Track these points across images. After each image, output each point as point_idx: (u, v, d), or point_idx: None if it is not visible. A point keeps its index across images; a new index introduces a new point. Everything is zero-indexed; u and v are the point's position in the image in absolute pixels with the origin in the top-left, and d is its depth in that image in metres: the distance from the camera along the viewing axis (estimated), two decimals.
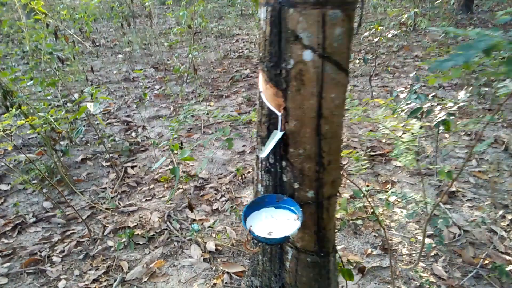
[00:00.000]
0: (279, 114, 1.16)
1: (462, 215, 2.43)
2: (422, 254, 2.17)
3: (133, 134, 3.80)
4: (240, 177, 2.98)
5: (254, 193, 1.42)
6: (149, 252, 2.29)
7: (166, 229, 2.46)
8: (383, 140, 3.38)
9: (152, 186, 2.95)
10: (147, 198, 2.80)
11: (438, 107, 2.76)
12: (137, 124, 4.00)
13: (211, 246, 2.28)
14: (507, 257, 2.09)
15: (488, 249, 2.16)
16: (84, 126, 3.97)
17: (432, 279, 2.01)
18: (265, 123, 1.23)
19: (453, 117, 2.33)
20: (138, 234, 2.41)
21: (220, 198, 2.75)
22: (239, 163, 3.19)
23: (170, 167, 3.19)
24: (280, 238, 1.13)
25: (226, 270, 2.12)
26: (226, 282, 2.05)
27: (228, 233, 2.39)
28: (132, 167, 3.20)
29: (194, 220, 2.52)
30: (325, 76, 1.05)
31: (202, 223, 2.50)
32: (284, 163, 1.24)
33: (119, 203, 2.76)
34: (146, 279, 2.10)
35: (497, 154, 3.06)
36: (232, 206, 2.63)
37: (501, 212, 2.43)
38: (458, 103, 2.78)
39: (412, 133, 2.23)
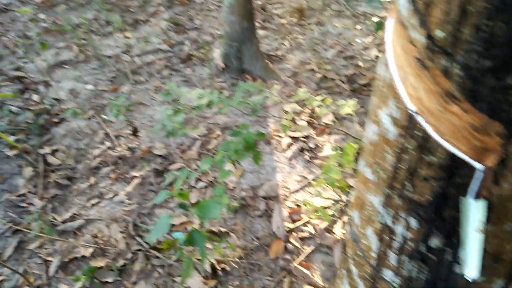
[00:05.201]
0: (480, 167, 0.54)
1: None
2: None
3: (35, 96, 2.76)
4: (208, 145, 2.29)
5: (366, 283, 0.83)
6: None
7: (139, 250, 1.79)
8: (361, 64, 2.85)
9: (92, 179, 2.15)
10: (93, 202, 2.03)
11: None
12: (34, 80, 2.92)
13: (210, 266, 1.69)
14: None
15: None
16: None
17: None
18: (431, 179, 0.61)
19: None
20: (101, 267, 1.72)
21: (196, 183, 2.08)
22: (200, 122, 2.47)
23: (108, 144, 2.36)
24: None
25: None
26: None
27: (228, 239, 1.81)
28: (53, 153, 2.30)
29: (171, 226, 1.87)
30: None
31: (185, 228, 1.86)
32: None
33: (54, 218, 1.95)
34: None
35: None
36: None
37: None
38: None
39: None
